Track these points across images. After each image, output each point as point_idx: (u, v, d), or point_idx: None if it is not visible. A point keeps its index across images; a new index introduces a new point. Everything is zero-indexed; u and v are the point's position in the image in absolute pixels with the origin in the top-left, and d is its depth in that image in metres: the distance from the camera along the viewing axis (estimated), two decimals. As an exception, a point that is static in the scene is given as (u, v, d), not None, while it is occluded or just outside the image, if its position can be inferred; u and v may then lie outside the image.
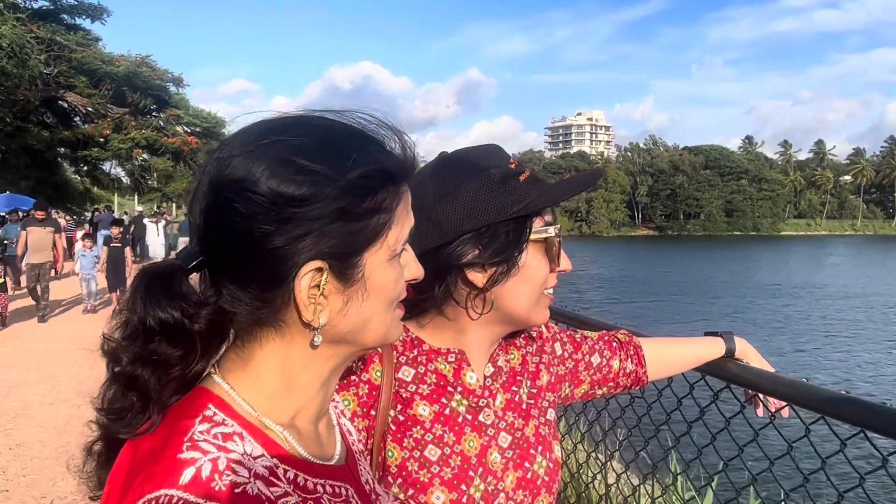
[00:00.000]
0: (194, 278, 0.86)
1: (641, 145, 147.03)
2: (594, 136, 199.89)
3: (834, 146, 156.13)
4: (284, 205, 0.77)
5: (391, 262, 0.86)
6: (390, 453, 1.23)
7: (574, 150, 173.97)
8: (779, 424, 1.65)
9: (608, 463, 2.45)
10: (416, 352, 1.30)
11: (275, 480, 0.78)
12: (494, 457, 1.29)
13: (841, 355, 19.55)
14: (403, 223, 0.87)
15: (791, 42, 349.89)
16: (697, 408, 1.91)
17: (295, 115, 0.87)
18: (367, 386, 1.23)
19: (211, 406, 0.81)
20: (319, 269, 0.80)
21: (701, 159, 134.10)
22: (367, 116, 0.88)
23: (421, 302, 1.30)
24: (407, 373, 1.28)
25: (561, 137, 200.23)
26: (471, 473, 1.25)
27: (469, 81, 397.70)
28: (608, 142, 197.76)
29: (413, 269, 0.93)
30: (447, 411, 1.27)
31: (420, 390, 1.27)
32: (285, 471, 0.81)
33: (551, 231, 1.29)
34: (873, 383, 15.86)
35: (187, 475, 0.72)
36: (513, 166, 1.29)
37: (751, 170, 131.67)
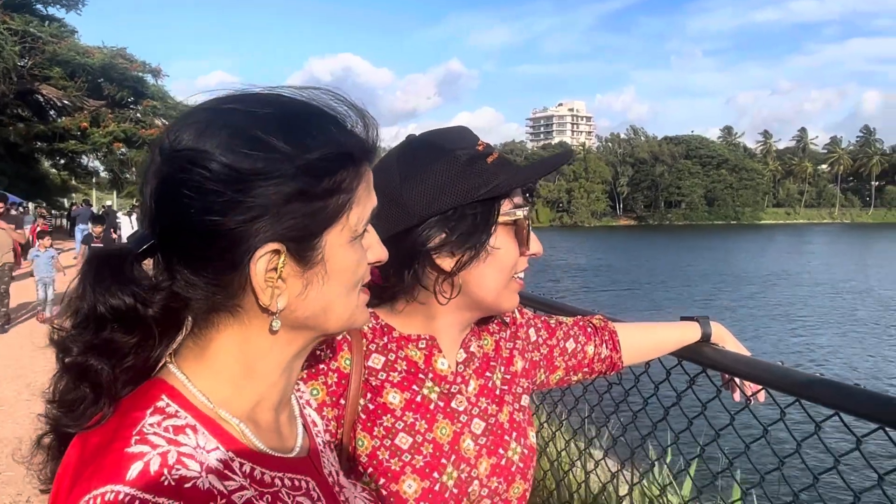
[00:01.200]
0: (147, 264, 0.82)
1: (622, 135, 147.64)
2: (575, 126, 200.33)
3: (816, 136, 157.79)
4: (239, 181, 0.74)
5: (352, 244, 0.83)
6: (360, 442, 1.20)
7: (555, 140, 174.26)
8: (754, 408, 1.65)
9: (587, 450, 2.45)
10: (385, 339, 1.28)
11: (229, 474, 0.75)
12: (468, 444, 1.27)
13: (814, 340, 19.82)
14: (365, 203, 0.84)
15: (769, 32, 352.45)
16: (675, 393, 1.90)
17: (252, 91, 0.83)
18: (336, 374, 1.21)
19: (164, 397, 0.78)
20: (276, 252, 0.77)
21: (681, 149, 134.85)
22: (327, 94, 0.84)
23: (390, 288, 1.28)
24: (377, 360, 1.26)
25: (542, 128, 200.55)
26: (443, 461, 1.23)
27: (450, 73, 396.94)
28: (589, 132, 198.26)
29: (377, 250, 0.90)
30: (418, 398, 1.25)
31: (390, 378, 1.25)
32: (241, 464, 0.77)
33: (520, 214, 1.26)
34: (847, 368, 16.11)
35: (134, 470, 0.68)
36: (480, 148, 1.26)
37: (731, 159, 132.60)
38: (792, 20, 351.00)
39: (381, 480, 1.19)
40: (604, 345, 1.58)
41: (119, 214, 21.58)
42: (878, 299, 28.91)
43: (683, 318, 1.73)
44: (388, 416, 1.22)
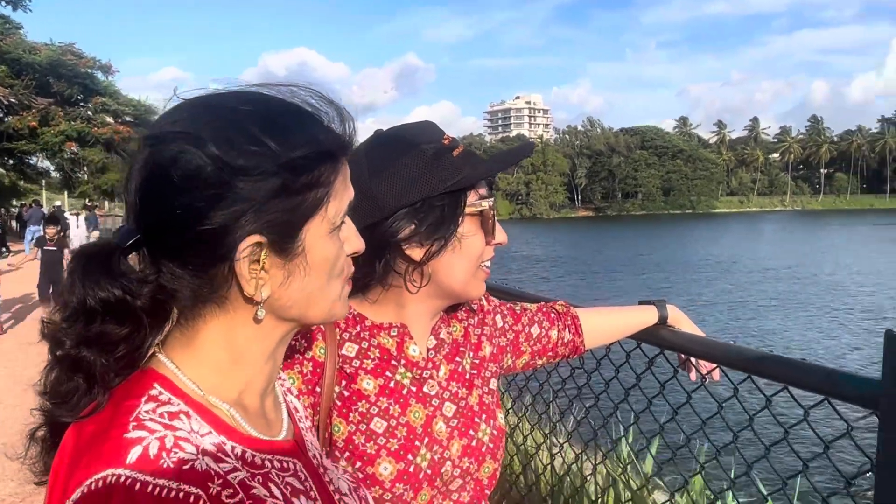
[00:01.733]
0: (132, 258, 0.84)
1: (579, 128, 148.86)
2: (533, 119, 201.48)
3: (768, 126, 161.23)
4: (223, 177, 0.77)
5: (331, 235, 0.87)
6: (336, 428, 1.25)
7: (513, 133, 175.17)
8: (710, 386, 1.73)
9: (551, 434, 2.52)
10: (358, 328, 1.32)
11: (223, 457, 0.78)
12: (440, 426, 1.32)
13: (764, 323, 20.30)
14: (342, 196, 0.88)
15: (721, 24, 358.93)
16: (635, 375, 1.98)
17: (233, 89, 0.86)
18: (311, 363, 1.25)
19: (156, 385, 0.81)
20: (259, 244, 0.80)
21: (637, 140, 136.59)
22: (306, 90, 0.88)
23: (362, 278, 1.31)
24: (350, 349, 1.30)
25: (500, 121, 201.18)
26: (417, 443, 1.28)
27: (407, 66, 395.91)
28: (547, 125, 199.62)
29: (354, 242, 0.94)
30: (392, 384, 1.30)
31: (364, 365, 1.29)
32: (233, 447, 0.81)
33: (485, 204, 1.32)
34: (795, 347, 16.56)
35: (134, 454, 0.71)
36: (446, 142, 1.31)
37: (685, 150, 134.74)
38: (742, 12, 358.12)
39: (358, 464, 1.23)
40: (566, 329, 1.64)
41: (66, 214, 21.11)
42: (823, 284, 29.73)
43: (641, 302, 1.81)
44: (363, 401, 1.27)
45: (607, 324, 1.74)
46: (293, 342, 1.22)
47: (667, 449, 1.94)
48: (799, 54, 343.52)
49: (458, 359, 1.41)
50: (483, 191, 1.33)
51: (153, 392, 0.80)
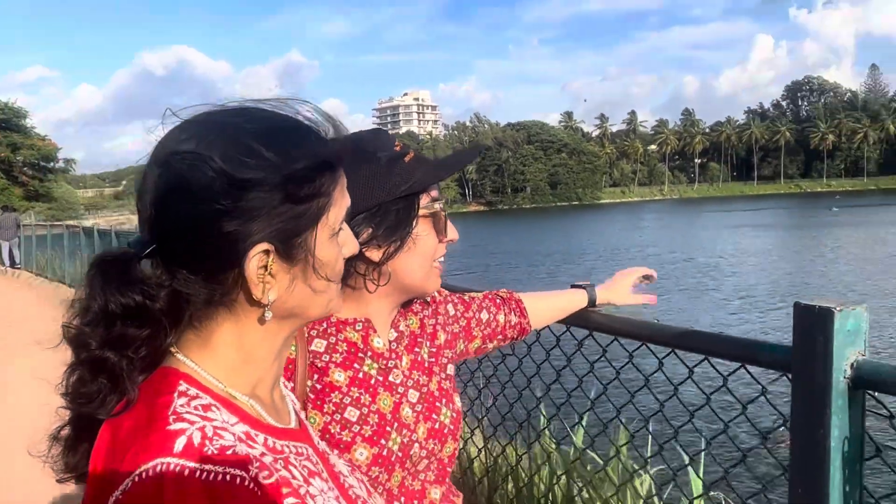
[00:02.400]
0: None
1: (467, 123, 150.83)
2: (421, 115, 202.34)
3: (645, 119, 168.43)
4: (234, 189, 0.84)
5: (331, 240, 0.95)
6: (312, 419, 1.33)
7: (403, 130, 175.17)
8: (636, 362, 1.90)
9: (483, 419, 2.64)
10: (325, 325, 1.41)
11: (252, 443, 0.85)
12: (406, 412, 1.43)
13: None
14: (340, 203, 0.95)
15: (598, 21, 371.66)
16: (565, 356, 2.13)
17: (236, 105, 0.93)
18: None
19: (182, 382, 0.86)
20: (266, 251, 0.87)
21: (523, 135, 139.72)
22: (303, 105, 0.96)
23: None
24: (319, 344, 1.39)
25: (389, 118, 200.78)
26: (388, 429, 1.39)
27: (291, 64, 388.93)
28: (435, 121, 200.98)
29: (350, 245, 1.02)
30: (360, 375, 1.40)
31: (334, 359, 1.38)
32: (257, 434, 0.88)
33: (437, 206, 1.44)
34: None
35: (180, 443, 0.77)
36: (398, 149, 1.43)
37: (570, 143, 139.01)
38: (618, 9, 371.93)
39: (335, 451, 1.32)
40: (512, 312, 1.77)
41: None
42: (698, 266, 31.49)
43: (574, 286, 1.95)
44: (336, 392, 1.36)
45: (546, 307, 1.87)
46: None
47: (599, 424, 2.10)
48: (671, 50, 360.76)
49: (416, 349, 1.51)
50: (434, 193, 1.45)
51: (181, 388, 0.86)
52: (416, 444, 1.43)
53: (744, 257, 34.42)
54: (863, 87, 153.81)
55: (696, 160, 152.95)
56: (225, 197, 0.83)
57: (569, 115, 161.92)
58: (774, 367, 1.46)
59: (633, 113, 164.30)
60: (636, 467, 2.21)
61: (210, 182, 0.83)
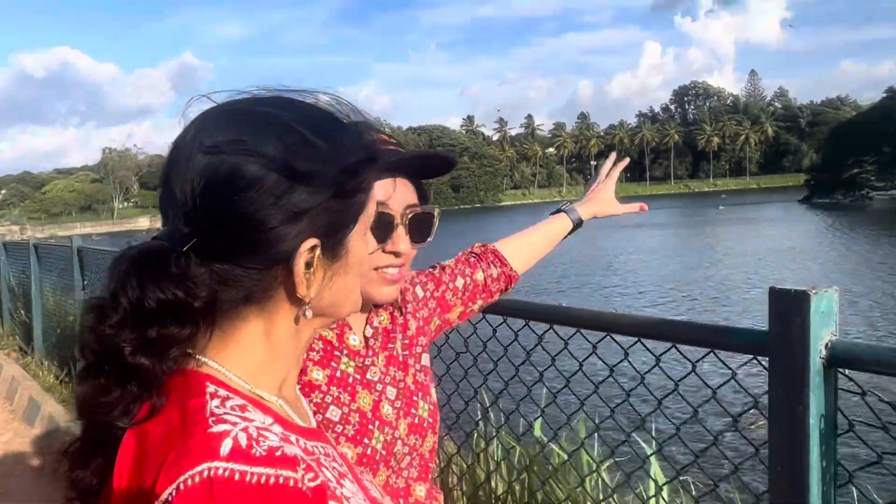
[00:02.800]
0: None
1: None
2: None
3: (542, 123, 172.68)
4: (284, 184, 0.81)
5: (365, 236, 0.93)
6: None
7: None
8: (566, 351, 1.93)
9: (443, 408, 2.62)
10: None
11: (292, 443, 0.81)
12: (386, 409, 1.40)
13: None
14: (373, 199, 0.94)
15: (495, 26, 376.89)
16: (502, 347, 2.15)
17: (270, 94, 0.89)
18: None
19: (209, 384, 0.81)
20: (314, 247, 0.84)
21: (425, 139, 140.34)
22: (333, 98, 0.93)
23: None
24: None
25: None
26: (370, 427, 1.36)
27: (184, 66, 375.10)
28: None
29: (373, 241, 1.00)
30: (338, 374, 1.37)
31: (311, 357, 1.35)
32: (289, 435, 0.84)
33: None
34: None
35: (226, 446, 0.72)
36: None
37: (471, 147, 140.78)
38: (513, 15, 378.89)
39: None
40: (491, 266, 1.71)
41: None
42: (599, 264, 32.58)
43: (553, 213, 1.85)
44: (317, 392, 1.33)
45: (528, 245, 1.78)
46: None
47: (563, 418, 2.13)
48: (566, 55, 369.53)
49: (390, 345, 1.49)
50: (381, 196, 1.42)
51: (210, 390, 0.81)
52: (399, 441, 1.41)
53: (642, 254, 35.81)
54: (744, 92, 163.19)
55: (592, 162, 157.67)
56: (279, 190, 0.80)
57: (470, 119, 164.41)
58: (747, 352, 1.51)
59: (530, 117, 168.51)
60: (599, 459, 2.24)
61: (264, 174, 0.80)
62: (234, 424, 0.75)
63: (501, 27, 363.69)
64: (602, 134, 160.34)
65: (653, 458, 2.01)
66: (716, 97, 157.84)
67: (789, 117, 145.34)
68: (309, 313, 0.88)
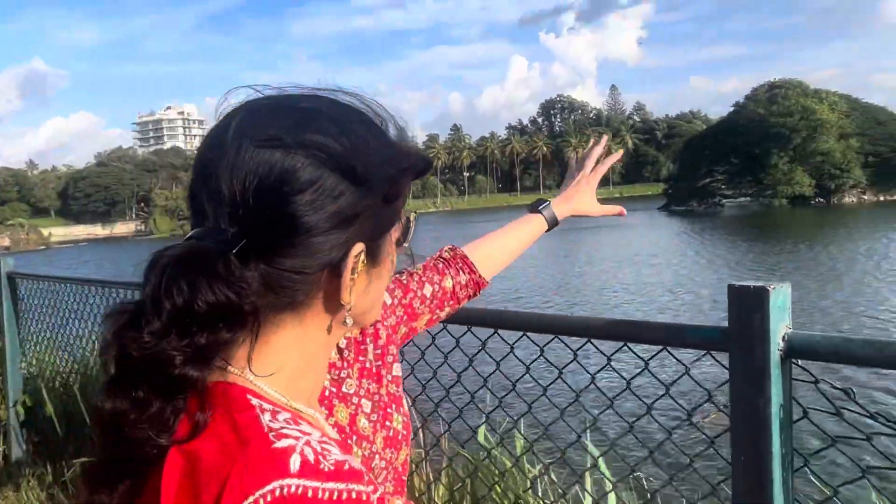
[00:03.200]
0: None
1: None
2: (188, 130, 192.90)
3: (415, 135, 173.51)
4: (342, 187, 0.78)
5: (394, 242, 0.92)
6: None
7: (168, 145, 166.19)
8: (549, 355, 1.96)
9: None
10: None
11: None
12: (363, 423, 1.35)
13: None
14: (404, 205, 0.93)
15: (366, 38, 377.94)
16: (467, 357, 2.14)
17: (312, 93, 0.86)
18: None
19: (249, 396, 0.76)
20: (360, 252, 0.81)
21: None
22: (363, 100, 0.89)
23: None
24: None
25: (152, 133, 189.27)
26: (349, 442, 1.30)
27: (33, 73, 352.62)
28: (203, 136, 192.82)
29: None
30: None
31: None
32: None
33: None
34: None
35: (295, 462, 0.68)
36: None
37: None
38: (385, 28, 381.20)
39: None
40: (460, 272, 1.64)
41: None
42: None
43: (531, 211, 1.74)
44: None
45: (499, 249, 1.70)
46: None
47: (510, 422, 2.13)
48: (438, 68, 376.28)
49: (361, 357, 1.43)
50: None
51: (254, 402, 0.75)
52: (377, 456, 1.35)
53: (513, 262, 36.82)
54: (605, 106, 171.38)
55: (465, 173, 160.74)
56: (336, 191, 0.77)
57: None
58: (706, 348, 1.57)
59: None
60: (549, 462, 2.25)
61: (322, 174, 0.77)
62: (297, 439, 0.70)
63: (374, 39, 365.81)
64: (474, 146, 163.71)
65: (601, 460, 2.04)
66: (580, 110, 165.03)
67: (647, 130, 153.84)
68: (349, 320, 0.85)
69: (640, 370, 1.73)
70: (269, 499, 0.65)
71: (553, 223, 1.70)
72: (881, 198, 75.62)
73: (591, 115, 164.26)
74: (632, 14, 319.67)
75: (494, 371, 2.08)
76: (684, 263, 32.20)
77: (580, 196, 1.73)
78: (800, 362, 1.45)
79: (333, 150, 0.78)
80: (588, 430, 1.97)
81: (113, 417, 0.72)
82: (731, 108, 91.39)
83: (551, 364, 1.94)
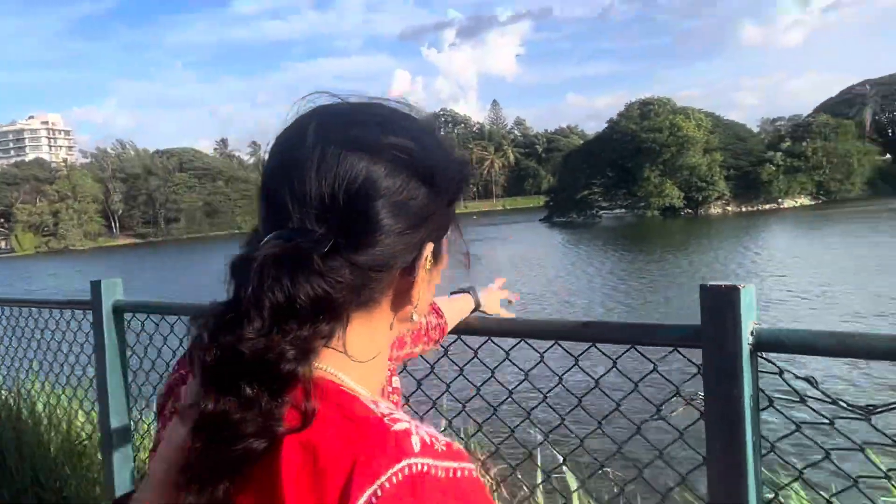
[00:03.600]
0: None
1: (109, 150, 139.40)
2: (52, 141, 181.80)
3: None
4: (430, 186, 0.83)
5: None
6: None
7: (30, 157, 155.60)
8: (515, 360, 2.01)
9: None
10: None
11: None
12: None
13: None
14: None
15: (245, 48, 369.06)
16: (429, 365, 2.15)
17: (374, 101, 0.90)
18: None
19: (342, 389, 0.80)
20: (430, 252, 0.86)
21: (175, 162, 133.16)
22: (427, 114, 0.94)
23: None
24: None
25: (13, 144, 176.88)
26: None
27: None
28: (70, 147, 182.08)
29: None
30: None
31: None
32: None
33: None
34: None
35: (416, 443, 0.72)
36: None
37: (226, 171, 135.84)
38: (266, 38, 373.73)
39: None
40: (432, 314, 1.73)
41: None
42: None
43: (456, 292, 1.91)
44: None
45: (453, 309, 1.84)
46: None
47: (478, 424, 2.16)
48: (320, 80, 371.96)
49: None
50: None
51: (350, 394, 0.79)
52: None
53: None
54: (488, 120, 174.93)
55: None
56: (417, 192, 0.82)
57: (223, 141, 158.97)
58: (679, 345, 1.67)
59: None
60: (515, 464, 2.29)
61: (406, 176, 0.81)
62: (408, 422, 0.75)
63: (253, 50, 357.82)
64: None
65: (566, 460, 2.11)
66: (463, 124, 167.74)
67: (528, 144, 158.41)
68: (416, 316, 0.90)
69: (608, 369, 1.82)
70: (399, 477, 0.69)
71: (478, 306, 1.91)
72: (743, 208, 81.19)
73: (475, 128, 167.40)
74: (510, 31, 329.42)
75: (458, 377, 2.11)
76: (562, 271, 33.50)
77: (491, 297, 1.96)
78: (764, 355, 1.57)
79: (413, 153, 0.82)
80: (555, 430, 2.02)
81: (215, 418, 0.73)
82: (606, 124, 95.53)
83: (518, 368, 2.00)
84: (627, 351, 1.78)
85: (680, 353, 1.68)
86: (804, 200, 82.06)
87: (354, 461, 0.70)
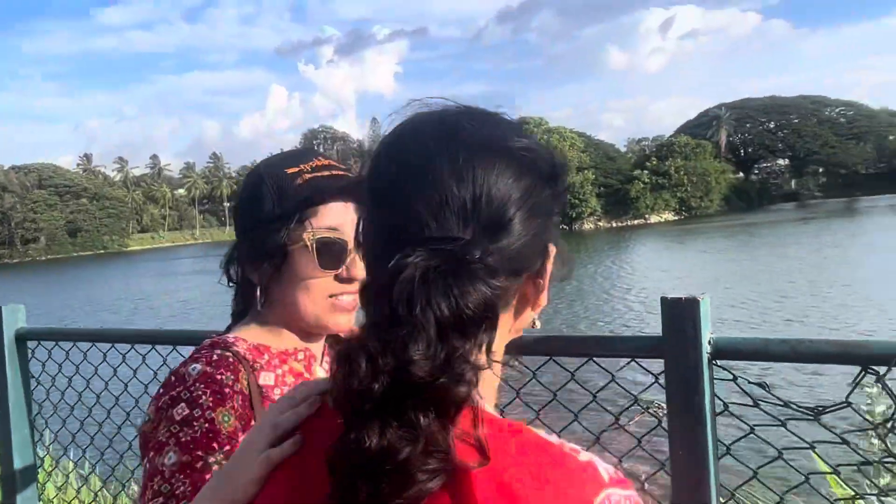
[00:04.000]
0: None
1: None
2: None
3: (170, 163, 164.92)
4: (560, 185, 0.83)
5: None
6: None
7: None
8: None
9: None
10: (266, 356, 1.37)
11: None
12: None
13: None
14: None
15: (110, 60, 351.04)
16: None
17: (465, 105, 0.88)
18: (240, 397, 1.27)
19: (485, 409, 0.75)
20: (554, 255, 0.86)
21: (33, 178, 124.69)
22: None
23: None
24: (267, 378, 1.35)
25: None
26: None
27: None
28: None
29: None
30: None
31: (285, 391, 1.30)
32: None
33: (331, 235, 1.39)
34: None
35: (605, 473, 0.73)
36: (289, 171, 1.42)
37: (90, 188, 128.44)
38: (132, 50, 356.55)
39: None
40: None
41: None
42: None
43: None
44: None
45: None
46: (218, 375, 1.26)
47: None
48: (191, 94, 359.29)
49: None
50: (332, 222, 1.40)
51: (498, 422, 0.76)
52: None
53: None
54: (367, 137, 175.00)
55: (225, 203, 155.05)
56: (543, 195, 0.81)
57: (87, 157, 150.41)
58: (641, 355, 1.74)
59: (155, 156, 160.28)
60: None
61: (533, 179, 0.80)
62: (583, 450, 0.75)
63: (119, 61, 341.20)
64: (234, 175, 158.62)
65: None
66: (342, 140, 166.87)
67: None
68: (538, 323, 0.87)
69: (566, 381, 1.87)
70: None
71: None
72: (613, 224, 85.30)
73: (354, 145, 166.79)
74: (388, 49, 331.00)
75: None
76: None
77: None
78: (719, 362, 1.67)
79: (537, 153, 0.82)
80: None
81: (380, 454, 0.66)
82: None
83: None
84: (585, 363, 1.84)
85: (638, 363, 1.75)
86: (668, 216, 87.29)
87: (557, 494, 0.68)
